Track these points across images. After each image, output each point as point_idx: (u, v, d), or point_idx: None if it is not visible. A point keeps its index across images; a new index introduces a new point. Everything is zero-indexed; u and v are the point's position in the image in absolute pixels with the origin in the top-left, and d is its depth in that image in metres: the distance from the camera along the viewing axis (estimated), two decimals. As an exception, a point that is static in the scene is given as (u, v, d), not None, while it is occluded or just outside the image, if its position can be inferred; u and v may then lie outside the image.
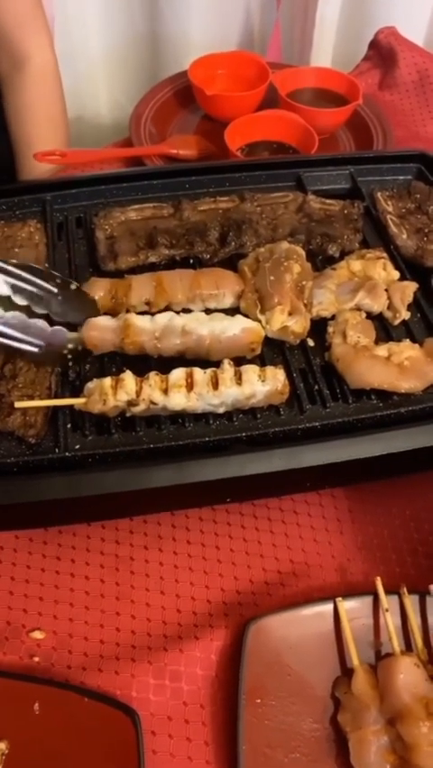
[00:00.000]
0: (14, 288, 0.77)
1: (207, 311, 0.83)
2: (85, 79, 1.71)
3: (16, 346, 0.75)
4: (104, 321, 0.77)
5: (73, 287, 0.80)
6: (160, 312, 0.80)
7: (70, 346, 0.77)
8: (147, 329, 0.76)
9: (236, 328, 0.76)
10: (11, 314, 0.76)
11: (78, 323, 0.78)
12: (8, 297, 0.77)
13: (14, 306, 0.77)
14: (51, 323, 0.78)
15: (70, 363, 0.77)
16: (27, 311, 0.78)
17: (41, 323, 0.76)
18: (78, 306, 0.80)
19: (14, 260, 0.80)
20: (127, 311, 0.80)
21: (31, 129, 1.26)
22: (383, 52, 1.42)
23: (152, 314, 0.79)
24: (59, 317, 0.79)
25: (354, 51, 1.57)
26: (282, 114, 1.23)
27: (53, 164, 1.15)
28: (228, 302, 0.83)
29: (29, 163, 1.22)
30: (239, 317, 0.78)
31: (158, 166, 1.17)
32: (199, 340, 0.76)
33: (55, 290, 0.79)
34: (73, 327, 0.78)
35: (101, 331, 0.77)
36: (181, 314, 0.79)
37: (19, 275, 0.78)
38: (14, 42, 1.23)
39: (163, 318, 0.77)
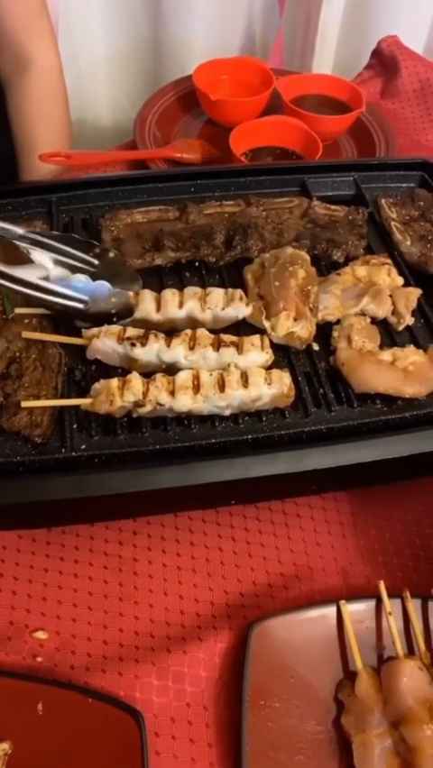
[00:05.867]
0: (55, 262, 0.79)
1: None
2: (87, 82, 1.72)
3: (63, 303, 0.77)
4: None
5: (111, 254, 0.82)
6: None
7: (114, 300, 0.79)
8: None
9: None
10: (55, 271, 0.78)
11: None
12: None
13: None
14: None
15: (114, 320, 0.78)
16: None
17: (84, 277, 0.79)
18: (117, 273, 0.81)
19: (55, 232, 0.82)
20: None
21: (34, 130, 1.26)
22: (386, 61, 1.44)
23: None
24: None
25: (355, 60, 1.59)
26: (286, 119, 1.24)
27: (58, 165, 1.15)
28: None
29: (31, 164, 1.22)
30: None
31: (164, 169, 1.18)
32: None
33: (95, 261, 0.81)
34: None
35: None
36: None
37: (59, 248, 0.79)
38: (19, 44, 1.23)
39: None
